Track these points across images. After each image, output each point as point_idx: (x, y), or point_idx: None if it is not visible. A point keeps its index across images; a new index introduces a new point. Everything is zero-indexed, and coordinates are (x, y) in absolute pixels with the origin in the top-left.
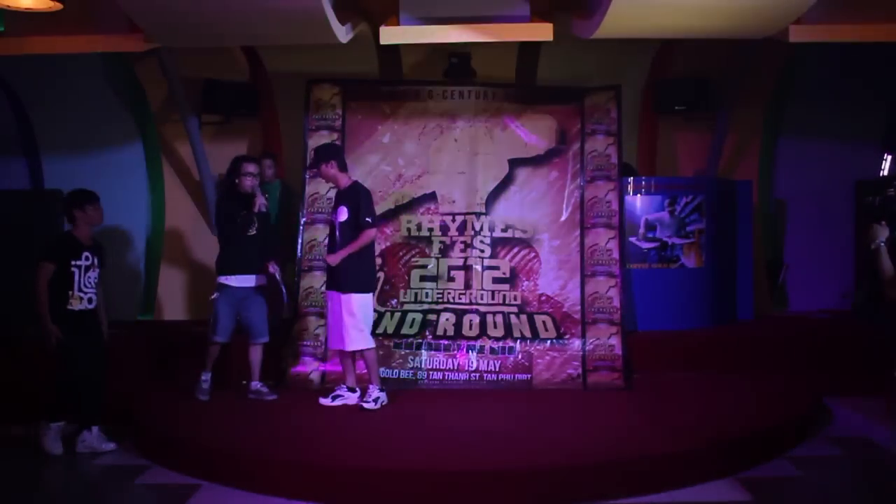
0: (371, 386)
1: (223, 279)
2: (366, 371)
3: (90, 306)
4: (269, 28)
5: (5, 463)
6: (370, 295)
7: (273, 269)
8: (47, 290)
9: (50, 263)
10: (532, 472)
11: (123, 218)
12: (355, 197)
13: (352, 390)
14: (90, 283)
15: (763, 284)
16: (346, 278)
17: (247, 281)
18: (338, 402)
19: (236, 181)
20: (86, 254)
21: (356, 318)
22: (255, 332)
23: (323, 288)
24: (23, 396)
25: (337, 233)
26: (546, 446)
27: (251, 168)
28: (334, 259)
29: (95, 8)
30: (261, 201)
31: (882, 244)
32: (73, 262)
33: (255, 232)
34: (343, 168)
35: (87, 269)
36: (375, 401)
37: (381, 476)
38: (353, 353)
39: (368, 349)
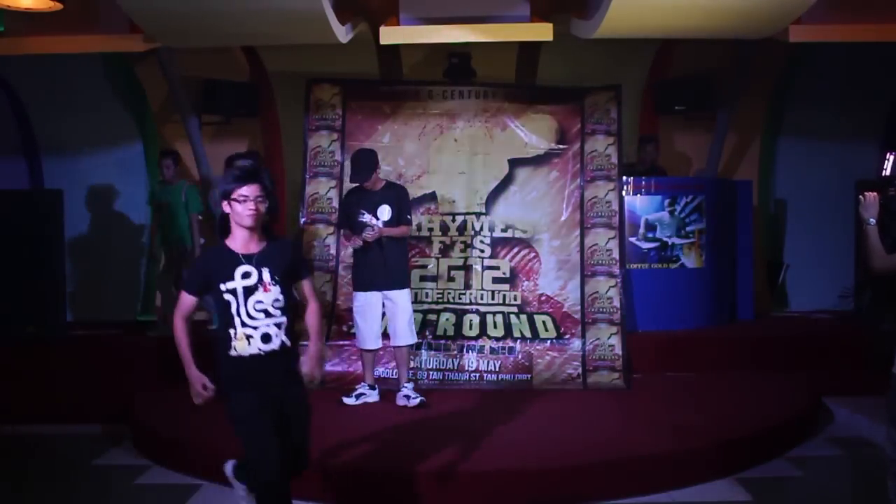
0: (408, 384)
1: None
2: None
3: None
4: (269, 28)
5: (5, 463)
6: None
7: None
8: None
9: None
10: (532, 472)
11: (123, 218)
12: (396, 196)
13: (372, 388)
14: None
15: (763, 284)
16: (401, 275)
17: None
18: (361, 401)
19: None
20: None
21: (409, 312)
22: None
23: (323, 288)
24: (22, 396)
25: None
26: (546, 446)
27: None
28: (372, 235)
29: (95, 8)
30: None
31: (873, 223)
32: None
33: None
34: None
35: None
36: (408, 398)
37: (381, 476)
38: (375, 351)
39: (410, 345)
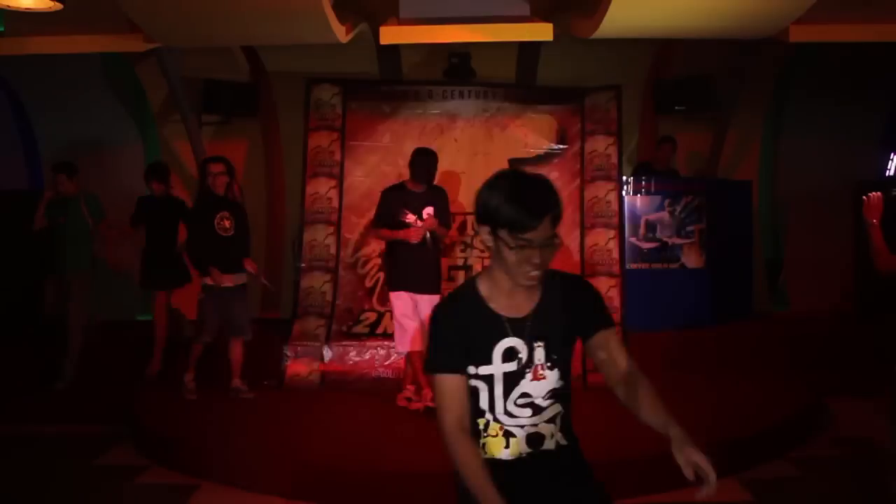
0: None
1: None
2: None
3: None
4: (269, 28)
5: (5, 463)
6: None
7: (251, 266)
8: None
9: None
10: None
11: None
12: (441, 199)
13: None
14: None
15: (763, 284)
16: (439, 277)
17: (231, 280)
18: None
19: (208, 183)
20: None
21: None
22: (238, 329)
23: (323, 288)
24: (22, 396)
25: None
26: None
27: (218, 168)
28: (417, 233)
29: (95, 8)
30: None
31: (876, 224)
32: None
33: (233, 232)
34: None
35: None
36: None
37: (381, 476)
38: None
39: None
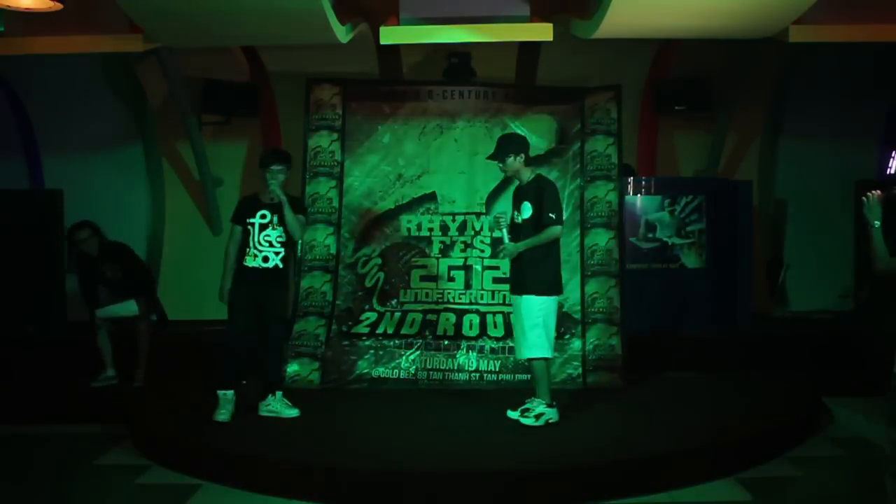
0: (535, 399)
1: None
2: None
3: (264, 265)
4: (269, 28)
5: (5, 463)
6: (555, 299)
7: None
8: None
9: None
10: (532, 473)
11: (123, 218)
12: (540, 192)
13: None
14: (265, 241)
15: (763, 284)
16: (528, 278)
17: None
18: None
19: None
20: (263, 212)
21: (534, 321)
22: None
23: (323, 288)
24: (22, 396)
25: (520, 232)
26: (546, 446)
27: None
28: (511, 252)
29: (95, 8)
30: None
31: (877, 225)
32: (248, 220)
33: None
34: (529, 162)
35: (263, 227)
36: (538, 417)
37: (380, 476)
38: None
39: (539, 359)
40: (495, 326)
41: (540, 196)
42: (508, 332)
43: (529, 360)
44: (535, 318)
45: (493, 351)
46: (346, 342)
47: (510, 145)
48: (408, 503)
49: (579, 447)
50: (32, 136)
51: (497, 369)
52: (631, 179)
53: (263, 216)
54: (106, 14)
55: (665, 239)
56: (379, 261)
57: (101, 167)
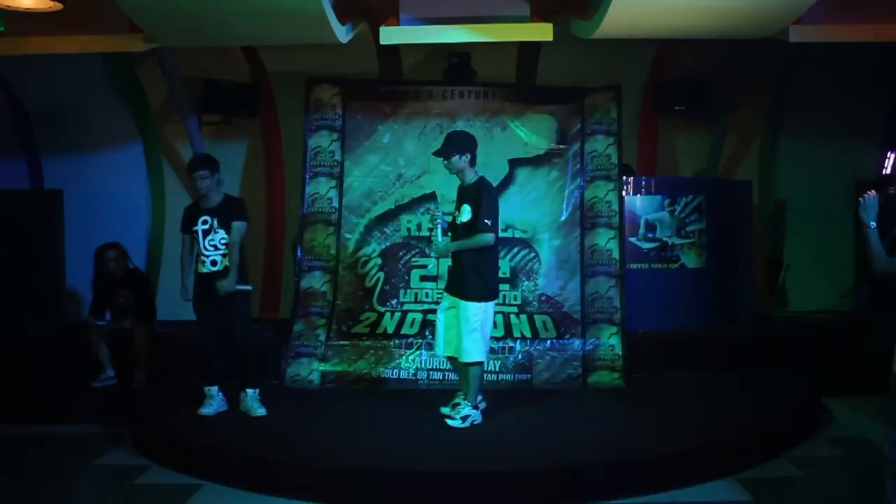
0: (463, 402)
1: None
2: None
3: (214, 269)
4: (269, 28)
5: (5, 463)
6: (492, 304)
7: None
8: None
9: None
10: (532, 473)
11: (123, 218)
12: (478, 196)
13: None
14: (210, 246)
15: (763, 284)
16: (466, 283)
17: None
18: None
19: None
20: (204, 218)
21: (471, 326)
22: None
23: (323, 288)
24: (22, 396)
25: (458, 233)
26: (546, 446)
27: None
28: (441, 251)
29: (95, 8)
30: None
31: (873, 226)
32: (192, 228)
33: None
34: (474, 163)
35: (206, 232)
36: (464, 419)
37: (381, 476)
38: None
39: (475, 363)
40: (495, 326)
41: (478, 201)
42: (508, 332)
43: (466, 363)
44: (473, 323)
45: (492, 351)
46: (345, 342)
47: (457, 144)
48: (408, 503)
49: (580, 447)
50: (32, 136)
51: (497, 369)
52: (631, 179)
53: (205, 222)
54: (106, 14)
55: (665, 239)
56: (379, 261)
57: (101, 167)
